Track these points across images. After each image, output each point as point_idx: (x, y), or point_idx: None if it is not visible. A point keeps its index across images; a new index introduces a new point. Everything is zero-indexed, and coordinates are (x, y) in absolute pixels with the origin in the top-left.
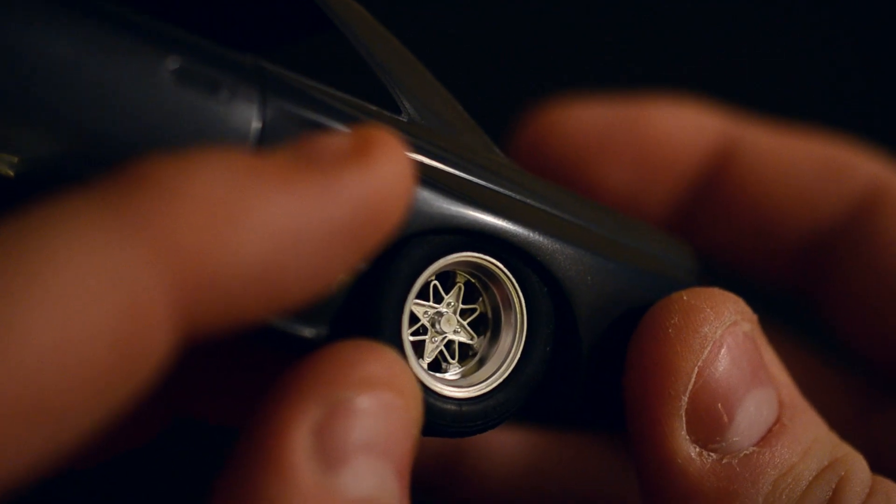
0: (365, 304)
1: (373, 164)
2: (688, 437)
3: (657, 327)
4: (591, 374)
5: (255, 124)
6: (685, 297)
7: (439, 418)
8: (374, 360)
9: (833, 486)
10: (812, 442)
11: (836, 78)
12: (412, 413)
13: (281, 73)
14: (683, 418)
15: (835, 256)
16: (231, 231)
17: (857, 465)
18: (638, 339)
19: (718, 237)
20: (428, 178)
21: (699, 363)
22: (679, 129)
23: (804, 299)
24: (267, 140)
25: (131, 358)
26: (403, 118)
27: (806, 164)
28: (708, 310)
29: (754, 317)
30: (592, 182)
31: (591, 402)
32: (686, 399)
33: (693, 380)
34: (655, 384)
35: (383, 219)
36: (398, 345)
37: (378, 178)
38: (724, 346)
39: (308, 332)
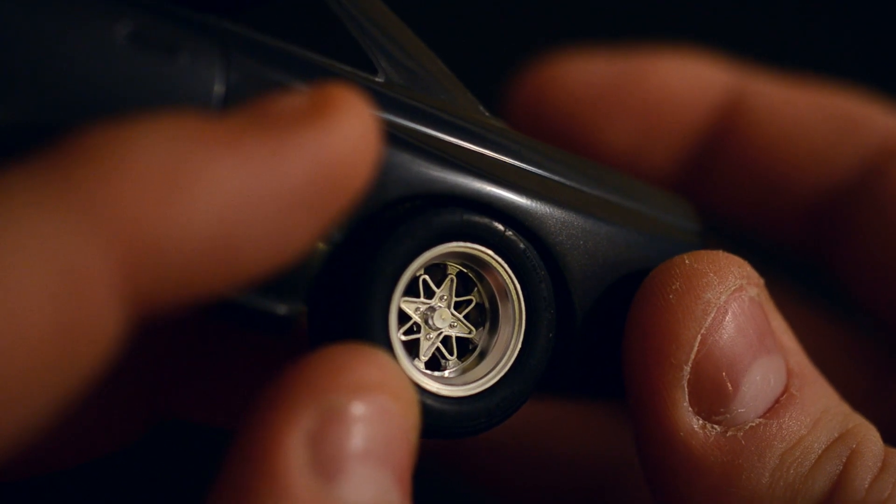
0: (350, 307)
1: (331, 124)
2: (690, 409)
3: (657, 293)
4: (587, 343)
5: (219, 88)
6: (687, 261)
7: (439, 420)
8: (366, 363)
9: (843, 460)
10: (822, 413)
11: (849, 27)
12: (409, 417)
13: (245, 34)
14: (686, 389)
15: (848, 213)
16: (177, 199)
17: (870, 437)
18: (637, 306)
19: (726, 195)
20: (404, 139)
21: (702, 331)
22: (684, 83)
23: (816, 259)
24: (232, 104)
25: (76, 340)
26: (379, 78)
27: (817, 118)
28: (711, 274)
29: (761, 281)
30: (593, 141)
31: (589, 371)
32: (688, 369)
33: (696, 348)
34: (656, 353)
35: (345, 182)
36: (388, 347)
37: (337, 138)
38: (728, 312)
39: (281, 308)
